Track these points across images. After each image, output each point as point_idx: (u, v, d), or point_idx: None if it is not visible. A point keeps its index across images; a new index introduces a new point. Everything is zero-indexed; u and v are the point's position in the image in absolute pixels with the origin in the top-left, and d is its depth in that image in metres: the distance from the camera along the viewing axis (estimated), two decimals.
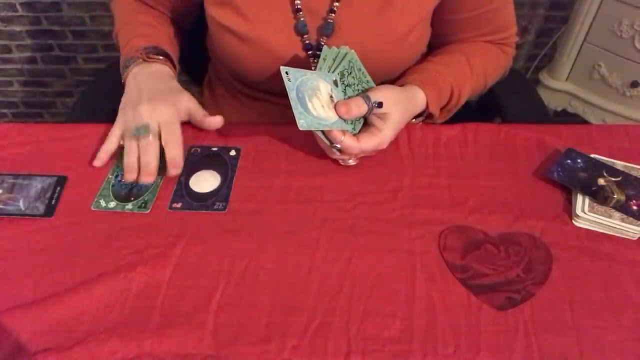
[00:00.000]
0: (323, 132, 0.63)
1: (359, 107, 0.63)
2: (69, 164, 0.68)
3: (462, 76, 0.76)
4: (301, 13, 0.71)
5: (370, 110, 0.63)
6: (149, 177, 0.65)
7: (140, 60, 0.72)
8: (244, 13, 0.70)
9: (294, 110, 0.59)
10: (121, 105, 0.70)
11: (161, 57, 0.74)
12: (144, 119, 0.66)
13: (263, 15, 0.71)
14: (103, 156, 0.68)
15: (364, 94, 0.65)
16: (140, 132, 0.65)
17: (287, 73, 0.60)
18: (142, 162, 0.65)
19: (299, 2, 0.70)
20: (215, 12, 0.73)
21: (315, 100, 0.61)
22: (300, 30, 0.71)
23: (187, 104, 0.71)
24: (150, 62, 0.73)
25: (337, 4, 0.70)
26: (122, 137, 0.68)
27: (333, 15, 0.71)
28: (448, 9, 0.75)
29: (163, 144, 0.66)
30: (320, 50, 0.73)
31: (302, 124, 0.58)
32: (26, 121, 1.89)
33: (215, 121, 0.70)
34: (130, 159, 0.65)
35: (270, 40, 0.71)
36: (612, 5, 1.27)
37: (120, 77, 0.75)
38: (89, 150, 0.70)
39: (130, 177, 0.65)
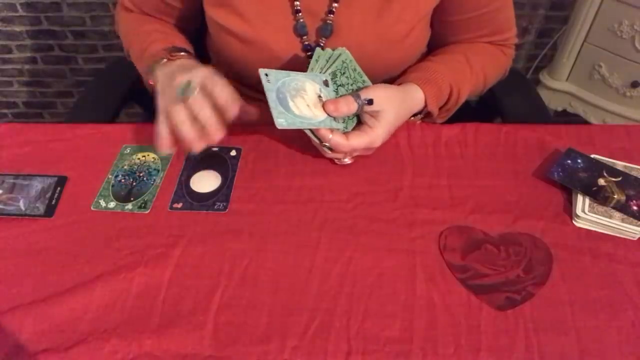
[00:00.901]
0: (312, 130, 0.63)
1: (348, 105, 0.63)
2: (69, 164, 0.68)
3: (461, 75, 0.76)
4: (300, 14, 0.71)
5: (361, 108, 0.63)
6: (215, 134, 0.60)
7: (165, 59, 0.71)
8: (243, 14, 0.70)
9: (271, 110, 0.58)
10: (159, 98, 0.65)
11: (183, 53, 0.73)
12: (184, 80, 0.62)
13: (262, 16, 0.71)
14: (166, 141, 0.62)
15: (354, 92, 0.65)
16: (185, 91, 0.61)
17: (266, 74, 0.60)
18: (202, 121, 0.60)
19: (297, 3, 0.70)
20: (214, 13, 0.73)
21: (299, 99, 0.61)
22: (300, 31, 0.71)
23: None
24: (175, 59, 0.71)
25: (335, 5, 0.70)
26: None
27: (332, 16, 0.71)
28: (448, 9, 0.75)
29: (210, 91, 0.62)
30: None
31: (281, 122, 0.58)
32: (26, 121, 1.89)
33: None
34: (185, 127, 0.60)
35: (269, 41, 0.71)
36: (612, 5, 1.26)
37: (120, 76, 0.75)
38: (89, 150, 0.70)
39: (198, 146, 0.60)
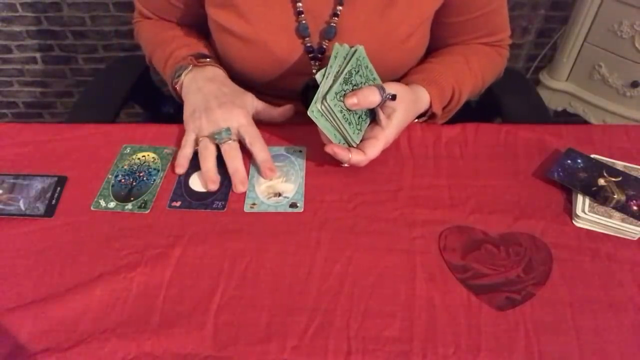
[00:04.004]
0: (339, 131, 0.63)
1: (374, 95, 0.61)
2: (69, 164, 0.68)
3: (462, 76, 0.76)
4: (302, 15, 0.70)
5: (383, 101, 0.62)
6: (242, 185, 0.64)
7: (191, 66, 0.73)
8: (245, 15, 0.70)
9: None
10: (188, 112, 0.70)
11: (209, 60, 0.74)
12: (221, 124, 0.66)
13: (264, 17, 0.71)
14: (183, 162, 0.67)
15: (378, 84, 0.64)
16: (222, 136, 0.65)
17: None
18: (230, 169, 0.65)
19: (300, 4, 0.70)
20: (216, 14, 0.73)
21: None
22: (302, 33, 0.71)
23: (253, 103, 0.71)
24: (202, 66, 0.73)
25: (340, 8, 0.70)
26: (196, 142, 0.67)
27: (336, 18, 0.70)
28: (448, 11, 0.75)
29: (248, 146, 0.67)
30: (322, 53, 0.73)
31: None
32: (26, 121, 1.89)
33: (288, 109, 0.72)
34: (209, 165, 0.65)
35: (270, 42, 0.71)
36: (612, 5, 1.27)
37: (120, 77, 0.75)
38: (89, 150, 0.70)
39: (213, 186, 0.64)
